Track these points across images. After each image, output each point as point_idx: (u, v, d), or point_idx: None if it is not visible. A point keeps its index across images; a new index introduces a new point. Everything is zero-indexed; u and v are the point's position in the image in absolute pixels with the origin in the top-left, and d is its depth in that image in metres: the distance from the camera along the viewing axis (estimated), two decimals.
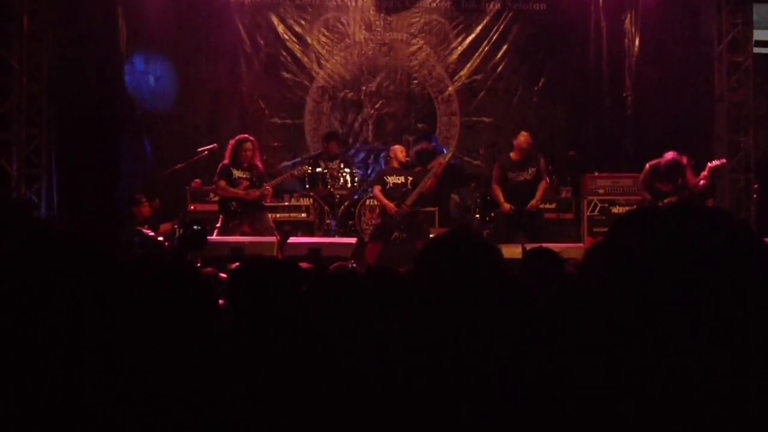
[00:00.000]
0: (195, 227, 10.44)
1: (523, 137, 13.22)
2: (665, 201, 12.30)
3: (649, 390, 1.58)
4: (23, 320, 2.13)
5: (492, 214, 14.14)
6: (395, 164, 13.71)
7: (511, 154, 13.35)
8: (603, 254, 1.69)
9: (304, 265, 6.75)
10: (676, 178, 12.54)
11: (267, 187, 12.86)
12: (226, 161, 12.84)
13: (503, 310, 2.70)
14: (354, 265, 9.98)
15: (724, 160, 13.53)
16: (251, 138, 13.02)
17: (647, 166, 12.79)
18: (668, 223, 1.63)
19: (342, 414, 2.71)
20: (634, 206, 13.89)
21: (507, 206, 12.96)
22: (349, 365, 2.94)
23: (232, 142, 12.93)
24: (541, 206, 13.61)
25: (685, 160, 12.62)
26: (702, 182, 12.45)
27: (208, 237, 11.98)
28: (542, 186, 13.09)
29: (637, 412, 1.59)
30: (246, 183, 12.72)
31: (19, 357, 2.09)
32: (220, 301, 4.35)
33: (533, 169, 13.08)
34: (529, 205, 12.95)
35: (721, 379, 1.54)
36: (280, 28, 16.82)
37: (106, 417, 2.14)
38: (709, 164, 12.68)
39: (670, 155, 12.63)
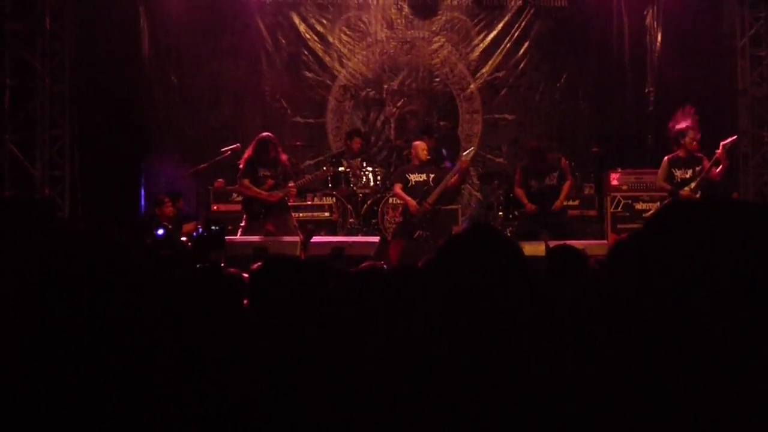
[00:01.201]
0: (212, 227, 10.43)
1: (529, 149, 13.29)
2: (686, 189, 12.23)
3: (680, 386, 1.56)
4: (44, 320, 2.13)
5: (516, 213, 14.10)
6: (417, 162, 13.68)
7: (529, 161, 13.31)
8: (636, 250, 1.68)
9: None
10: (695, 162, 12.44)
11: (291, 187, 12.84)
12: (249, 157, 12.76)
13: (522, 305, 2.70)
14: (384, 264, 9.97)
15: (735, 137, 13.39)
16: (272, 136, 12.97)
17: (665, 158, 12.70)
18: (705, 220, 1.62)
19: (365, 412, 2.70)
20: (658, 202, 13.85)
21: (531, 206, 12.91)
22: (372, 364, 2.93)
23: (256, 140, 12.86)
24: (565, 203, 13.59)
25: (688, 123, 12.51)
26: (720, 169, 12.31)
27: (230, 237, 11.98)
28: (566, 185, 13.04)
29: (663, 408, 1.58)
30: (271, 182, 12.68)
31: (38, 356, 2.10)
32: (244, 301, 4.36)
33: (555, 174, 13.02)
34: (554, 206, 12.90)
35: (756, 377, 1.53)
36: (302, 27, 16.83)
37: (127, 417, 2.14)
38: (722, 142, 12.56)
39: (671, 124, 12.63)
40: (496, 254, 2.78)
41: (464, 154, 13.98)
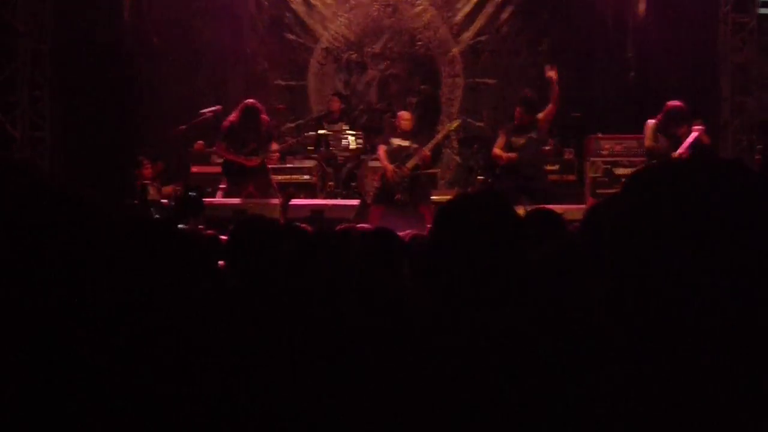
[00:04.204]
0: (190, 193, 10.42)
1: (517, 112, 13.20)
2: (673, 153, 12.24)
3: (657, 344, 1.56)
4: (19, 275, 2.13)
5: (496, 171, 14.04)
6: (402, 127, 13.73)
7: (515, 114, 13.28)
8: (618, 209, 1.67)
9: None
10: (677, 134, 12.43)
11: (275, 151, 12.85)
12: (233, 121, 12.70)
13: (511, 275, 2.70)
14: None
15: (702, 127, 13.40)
16: (258, 104, 12.89)
17: (652, 121, 12.65)
18: (687, 177, 1.61)
19: (340, 375, 2.71)
20: (638, 168, 13.83)
21: (509, 155, 12.88)
22: (350, 327, 2.94)
23: (242, 106, 12.76)
24: (545, 168, 13.61)
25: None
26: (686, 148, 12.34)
27: (210, 199, 11.98)
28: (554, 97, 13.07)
29: (641, 369, 1.58)
30: (253, 144, 12.66)
31: (13, 313, 2.10)
32: (220, 263, 4.36)
33: (534, 130, 13.03)
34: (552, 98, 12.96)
35: (734, 341, 1.53)
36: None
37: (99, 376, 2.15)
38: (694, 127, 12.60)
39: (673, 102, 12.59)
40: (494, 224, 2.78)
41: (449, 125, 14.08)
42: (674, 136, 12.38)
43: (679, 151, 12.23)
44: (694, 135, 12.44)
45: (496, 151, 13.11)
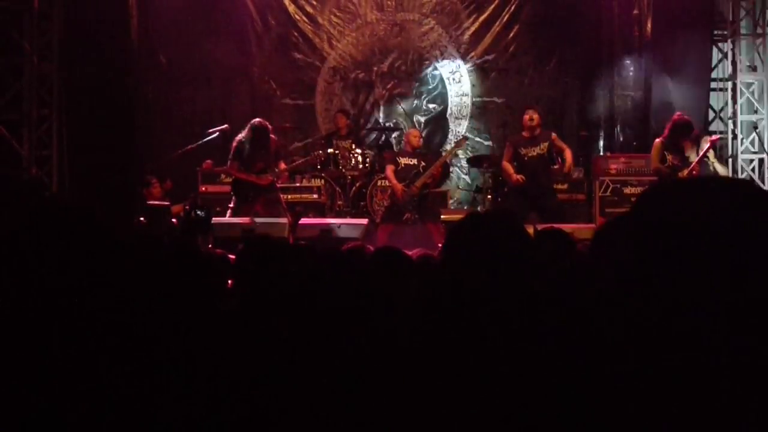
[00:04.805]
0: (198, 212, 10.42)
1: (528, 115, 13.14)
2: (683, 172, 12.16)
3: (671, 364, 1.55)
4: (30, 294, 2.12)
5: (505, 189, 14.03)
6: (409, 148, 13.79)
7: (523, 133, 13.26)
8: (626, 228, 1.66)
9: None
10: (680, 149, 12.37)
11: (283, 170, 12.86)
12: (242, 140, 12.69)
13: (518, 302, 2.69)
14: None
15: (717, 137, 13.41)
16: (267, 123, 12.87)
17: (657, 141, 12.60)
18: (695, 196, 1.60)
19: (347, 397, 2.70)
20: (647, 187, 13.79)
21: (518, 177, 12.86)
22: (358, 346, 2.93)
23: (252, 125, 12.72)
24: (554, 186, 13.61)
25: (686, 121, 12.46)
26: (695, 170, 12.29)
27: (218, 218, 11.99)
28: (568, 153, 13.06)
29: (655, 390, 1.57)
30: (261, 164, 12.65)
31: (20, 331, 2.09)
32: (229, 282, 4.35)
33: (545, 144, 13.02)
34: (565, 169, 12.95)
35: (746, 353, 1.51)
36: (291, 8, 16.79)
37: (103, 390, 2.13)
38: (710, 138, 12.56)
39: (679, 115, 12.55)
40: (501, 245, 2.77)
41: (456, 143, 14.15)
42: (682, 150, 12.31)
43: (697, 158, 12.18)
44: (709, 143, 12.44)
45: (506, 165, 13.09)
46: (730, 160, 15.37)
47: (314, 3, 16.86)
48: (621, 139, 16.34)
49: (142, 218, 12.16)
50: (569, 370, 2.17)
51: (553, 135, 13.23)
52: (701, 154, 12.19)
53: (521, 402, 2.30)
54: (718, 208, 1.56)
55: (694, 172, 12.13)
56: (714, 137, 12.67)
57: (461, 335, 2.56)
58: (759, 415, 1.52)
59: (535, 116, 13.08)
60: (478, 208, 13.93)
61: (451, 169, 15.98)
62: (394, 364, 2.53)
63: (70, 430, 2.08)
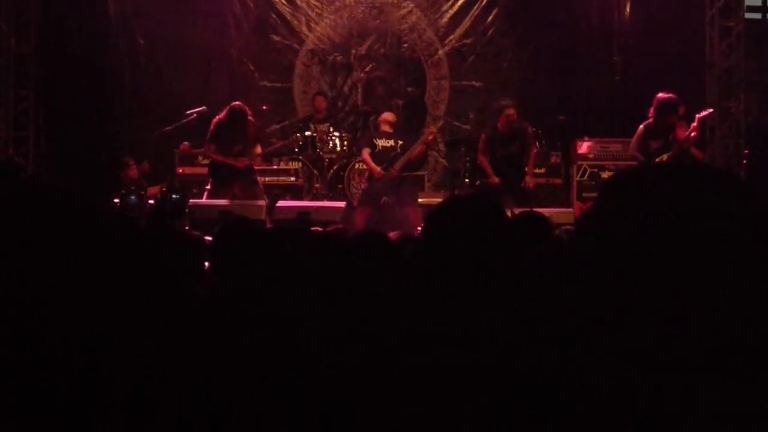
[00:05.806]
0: (173, 196, 10.39)
1: (507, 115, 13.11)
2: (657, 159, 12.12)
3: (645, 347, 1.55)
4: (7, 277, 2.11)
5: (478, 183, 14.07)
6: (385, 128, 13.77)
7: (498, 125, 13.23)
8: (593, 217, 1.66)
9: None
10: (668, 131, 12.31)
11: (259, 154, 12.85)
12: (220, 122, 12.65)
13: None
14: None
15: (711, 110, 13.44)
16: (245, 107, 12.83)
17: (641, 126, 12.55)
18: (662, 182, 1.60)
19: (326, 379, 2.69)
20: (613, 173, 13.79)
21: (495, 179, 12.92)
22: (336, 328, 2.92)
23: (230, 108, 12.68)
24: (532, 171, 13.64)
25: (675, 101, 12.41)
26: (693, 134, 12.21)
27: (195, 200, 11.98)
28: (532, 156, 13.11)
29: (633, 383, 1.56)
30: (239, 146, 12.62)
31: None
32: (206, 264, 4.33)
33: (519, 143, 13.04)
34: (524, 183, 12.96)
35: (721, 342, 1.51)
36: None
37: (80, 375, 2.12)
38: (697, 115, 12.50)
39: (662, 94, 12.44)
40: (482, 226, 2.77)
41: (425, 136, 14.15)
42: (672, 129, 12.23)
43: (693, 124, 12.18)
44: (704, 114, 12.48)
45: (482, 160, 13.12)
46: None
47: None
48: (598, 123, 16.34)
49: (117, 200, 12.09)
50: (548, 356, 2.17)
51: (530, 130, 13.23)
52: (690, 129, 12.15)
53: (504, 387, 2.30)
54: (682, 195, 1.56)
55: (692, 134, 12.13)
56: (704, 113, 12.61)
57: (444, 317, 2.56)
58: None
59: (515, 116, 13.07)
60: (455, 192, 13.91)
61: (428, 152, 15.98)
62: (377, 349, 2.53)
63: (38, 420, 2.07)
